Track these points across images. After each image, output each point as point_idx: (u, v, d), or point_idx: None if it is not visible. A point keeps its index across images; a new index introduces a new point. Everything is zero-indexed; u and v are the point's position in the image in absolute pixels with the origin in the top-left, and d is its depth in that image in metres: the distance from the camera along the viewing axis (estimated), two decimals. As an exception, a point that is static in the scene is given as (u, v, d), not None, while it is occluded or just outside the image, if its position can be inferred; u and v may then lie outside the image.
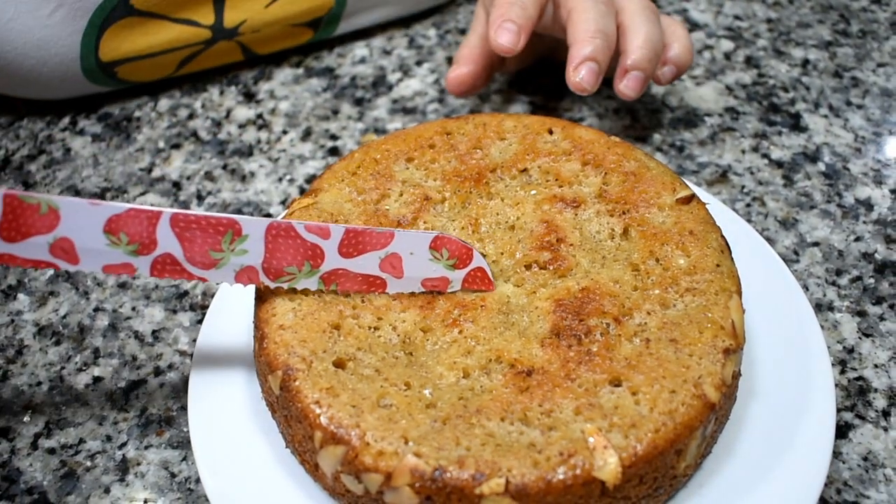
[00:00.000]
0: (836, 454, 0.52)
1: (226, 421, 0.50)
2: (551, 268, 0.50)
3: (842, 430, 0.53)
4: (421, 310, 0.49)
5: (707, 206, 0.53)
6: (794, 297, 0.54)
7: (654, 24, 0.63)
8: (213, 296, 0.56)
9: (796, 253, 0.64)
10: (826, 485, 0.50)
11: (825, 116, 0.75)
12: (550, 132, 0.58)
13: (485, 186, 0.55)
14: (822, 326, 0.58)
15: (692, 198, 0.53)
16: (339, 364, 0.46)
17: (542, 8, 0.65)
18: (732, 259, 0.50)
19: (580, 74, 0.60)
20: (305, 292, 0.48)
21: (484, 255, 0.52)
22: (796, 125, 0.74)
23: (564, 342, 0.46)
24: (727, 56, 0.81)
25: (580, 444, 0.41)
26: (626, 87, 0.62)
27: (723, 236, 0.51)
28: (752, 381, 0.50)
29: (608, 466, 0.41)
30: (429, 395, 0.44)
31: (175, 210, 0.43)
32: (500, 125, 0.58)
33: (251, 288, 0.54)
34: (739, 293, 0.48)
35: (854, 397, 0.55)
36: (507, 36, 0.62)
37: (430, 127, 0.59)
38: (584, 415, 0.43)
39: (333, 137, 0.74)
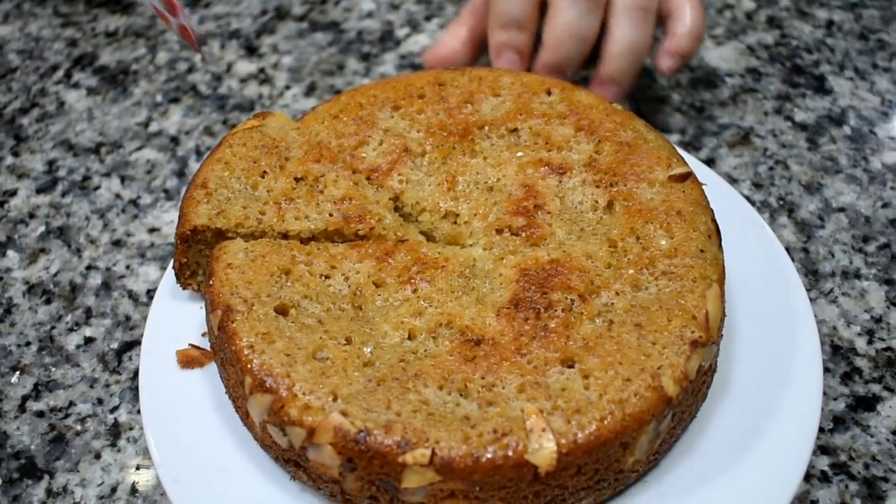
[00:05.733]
0: (865, 427, 0.49)
1: (175, 364, 0.48)
2: (524, 235, 0.47)
3: (869, 403, 0.50)
4: (378, 262, 0.46)
5: (705, 186, 0.49)
6: (793, 293, 0.50)
7: (638, 26, 0.59)
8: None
9: (821, 218, 0.61)
10: (852, 459, 0.48)
11: (850, 79, 0.71)
12: (549, 93, 0.54)
13: (469, 143, 0.52)
14: (847, 295, 0.54)
15: (688, 176, 0.48)
16: (281, 310, 0.43)
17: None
18: (720, 246, 0.46)
19: None
20: (257, 234, 0.46)
21: (457, 215, 0.49)
22: (821, 87, 0.71)
23: (521, 314, 0.43)
24: (748, 16, 0.77)
25: (517, 423, 0.38)
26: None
27: (714, 220, 0.47)
28: (728, 378, 0.46)
29: (543, 451, 0.38)
30: (368, 353, 0.42)
31: None
32: (496, 81, 0.55)
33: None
34: (721, 283, 0.44)
35: (882, 368, 0.52)
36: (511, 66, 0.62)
37: (423, 76, 0.55)
38: (528, 393, 0.40)
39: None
